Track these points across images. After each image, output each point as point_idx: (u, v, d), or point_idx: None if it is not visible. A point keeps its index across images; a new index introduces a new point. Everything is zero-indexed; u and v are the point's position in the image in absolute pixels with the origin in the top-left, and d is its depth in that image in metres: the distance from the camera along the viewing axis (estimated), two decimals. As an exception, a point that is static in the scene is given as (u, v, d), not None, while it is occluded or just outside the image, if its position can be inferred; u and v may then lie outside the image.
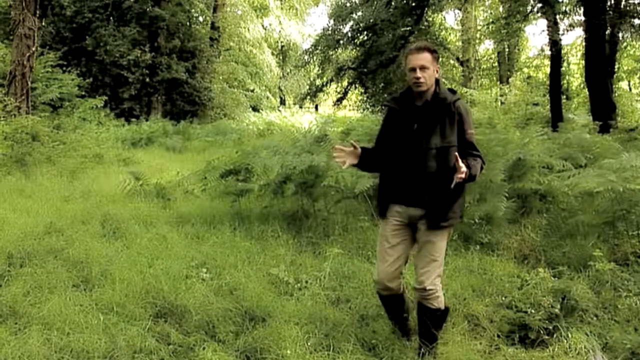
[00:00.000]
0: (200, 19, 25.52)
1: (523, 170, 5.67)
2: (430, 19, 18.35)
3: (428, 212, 2.85)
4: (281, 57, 33.08)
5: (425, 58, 2.82)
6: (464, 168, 2.69)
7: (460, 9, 25.48)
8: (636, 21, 13.18)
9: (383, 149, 3.01)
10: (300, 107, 31.11)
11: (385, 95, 17.18)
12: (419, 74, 2.80)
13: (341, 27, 18.09)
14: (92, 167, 9.64)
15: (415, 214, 2.90)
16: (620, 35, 14.64)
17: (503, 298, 3.67)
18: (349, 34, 17.99)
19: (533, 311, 3.35)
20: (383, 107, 3.11)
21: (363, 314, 3.48)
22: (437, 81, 2.89)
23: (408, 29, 16.51)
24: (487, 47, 28.80)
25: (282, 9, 31.08)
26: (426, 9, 16.50)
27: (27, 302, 3.53)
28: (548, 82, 15.82)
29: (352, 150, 2.96)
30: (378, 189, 3.11)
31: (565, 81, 21.33)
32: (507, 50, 26.87)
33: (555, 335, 3.20)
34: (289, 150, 6.78)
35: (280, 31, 30.87)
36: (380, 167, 3.05)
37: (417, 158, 2.83)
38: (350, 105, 22.33)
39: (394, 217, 2.96)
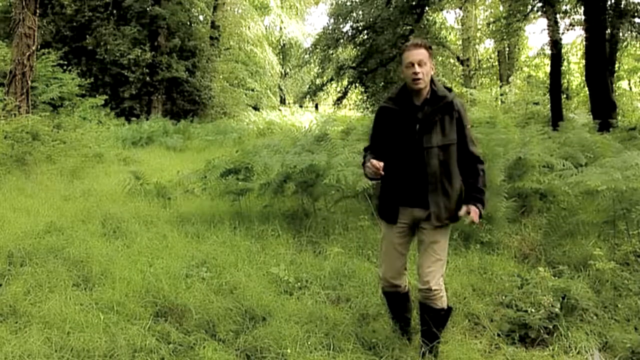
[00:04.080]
0: (201, 17, 25.50)
1: (523, 170, 5.67)
2: (431, 18, 18.30)
3: (434, 211, 2.83)
4: (282, 56, 33.07)
5: (422, 53, 2.79)
6: (473, 214, 2.80)
7: (460, 8, 25.45)
8: (636, 20, 13.16)
9: (380, 150, 2.95)
10: (301, 106, 31.10)
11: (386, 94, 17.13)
12: (417, 69, 2.77)
13: (341, 26, 18.06)
14: (92, 167, 9.66)
15: (419, 214, 2.89)
16: (620, 34, 14.61)
17: (503, 297, 3.67)
18: (349, 33, 17.95)
19: (533, 310, 3.35)
20: (381, 109, 3.05)
21: (363, 313, 3.48)
22: (432, 79, 2.87)
23: (408, 27, 16.47)
24: (487, 46, 28.79)
25: (282, 8, 31.05)
26: (426, 7, 16.48)
27: (28, 301, 3.53)
28: (548, 81, 15.81)
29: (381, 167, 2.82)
30: (381, 193, 3.05)
31: (565, 80, 21.31)
32: (507, 49, 26.82)
33: (555, 335, 3.20)
34: (290, 150, 6.78)
35: (281, 29, 30.87)
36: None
37: (420, 157, 2.80)
38: (350, 104, 22.32)
39: (400, 220, 2.94)
